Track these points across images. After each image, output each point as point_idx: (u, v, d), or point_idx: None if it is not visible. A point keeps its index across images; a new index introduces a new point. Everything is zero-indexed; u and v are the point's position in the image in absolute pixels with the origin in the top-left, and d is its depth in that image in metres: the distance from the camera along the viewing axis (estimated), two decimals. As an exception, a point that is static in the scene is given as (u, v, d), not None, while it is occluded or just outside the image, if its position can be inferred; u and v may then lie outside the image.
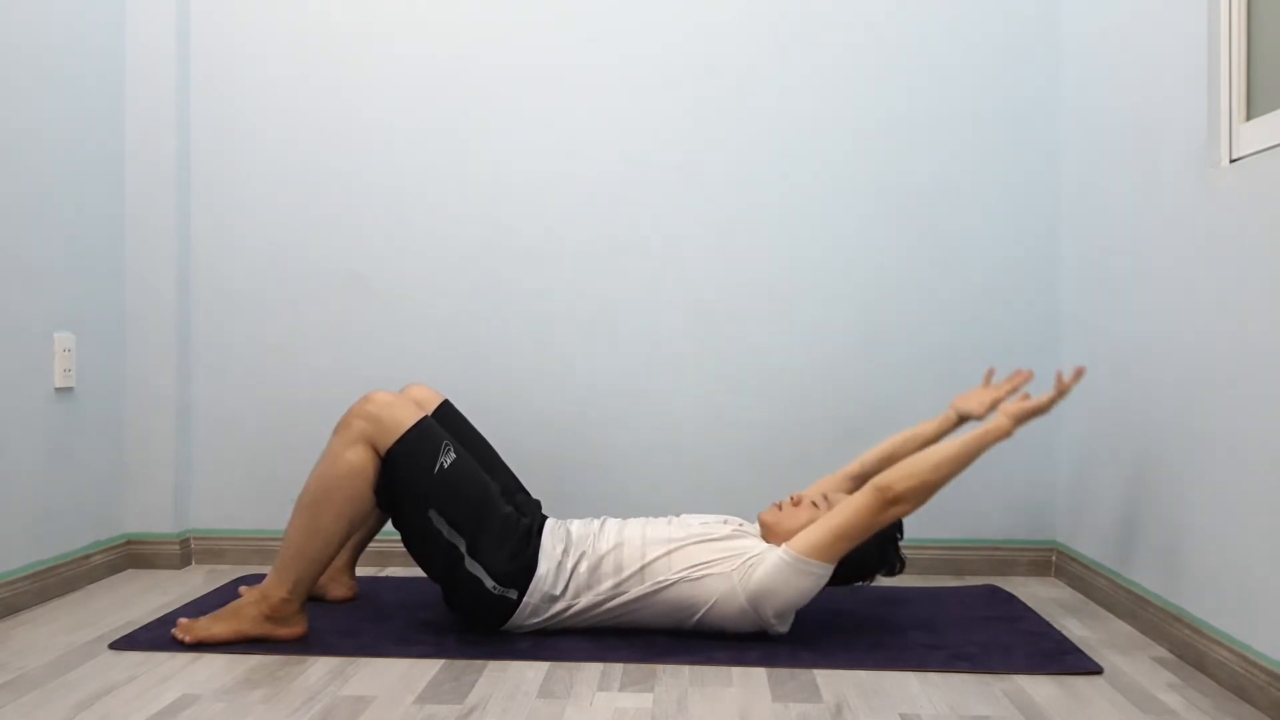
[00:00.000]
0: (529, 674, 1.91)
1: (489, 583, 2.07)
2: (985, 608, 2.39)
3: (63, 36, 2.50)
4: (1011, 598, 2.48)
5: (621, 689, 1.84)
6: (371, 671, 1.92)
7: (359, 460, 2.04)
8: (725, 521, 2.22)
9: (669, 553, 2.09)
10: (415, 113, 2.83)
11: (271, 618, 2.06)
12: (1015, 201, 2.76)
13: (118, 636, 2.11)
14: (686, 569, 2.07)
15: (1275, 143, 1.77)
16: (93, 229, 2.63)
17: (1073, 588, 2.61)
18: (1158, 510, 2.16)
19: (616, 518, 2.23)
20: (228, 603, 2.16)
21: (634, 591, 2.08)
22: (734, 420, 2.79)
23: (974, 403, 2.34)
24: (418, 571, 2.46)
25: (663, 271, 2.81)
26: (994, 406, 2.32)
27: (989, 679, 1.90)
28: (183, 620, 2.09)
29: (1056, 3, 2.74)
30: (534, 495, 2.38)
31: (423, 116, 2.83)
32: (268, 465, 2.82)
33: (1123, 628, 2.25)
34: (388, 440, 2.05)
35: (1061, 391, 2.12)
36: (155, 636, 2.10)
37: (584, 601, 2.09)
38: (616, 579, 2.09)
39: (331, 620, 2.22)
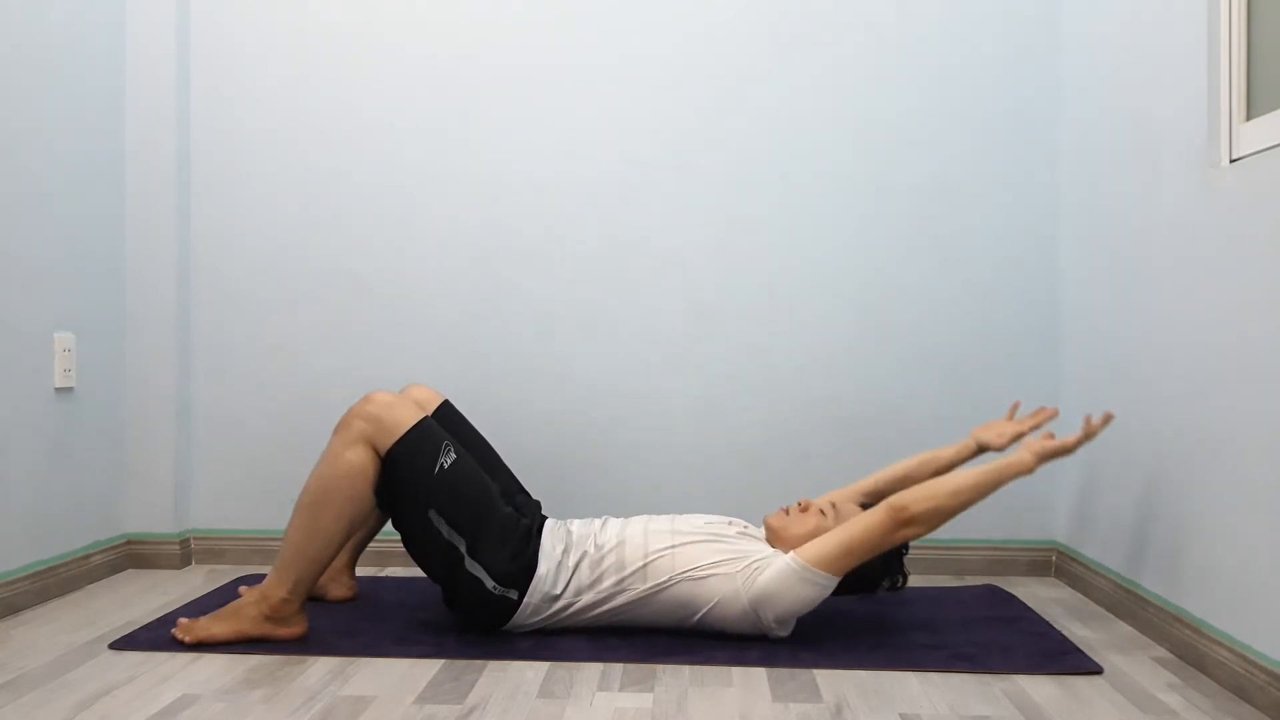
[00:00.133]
0: (529, 674, 1.91)
1: (489, 583, 2.07)
2: (985, 608, 2.39)
3: (63, 36, 2.50)
4: (1011, 598, 2.48)
5: (621, 689, 1.84)
6: (371, 671, 1.92)
7: (359, 460, 2.04)
8: (730, 523, 2.22)
9: (672, 552, 2.09)
10: (415, 113, 2.83)
11: (271, 618, 2.06)
12: (1015, 201, 2.76)
13: (118, 636, 2.11)
14: (690, 568, 2.07)
15: (1275, 143, 1.77)
16: (93, 229, 2.63)
17: (1073, 588, 2.61)
18: (1158, 510, 2.16)
19: (618, 518, 2.23)
20: (228, 603, 2.16)
21: (636, 589, 2.08)
22: (734, 420, 2.79)
23: (994, 434, 2.34)
24: (418, 571, 2.46)
25: (663, 271, 2.81)
26: (1015, 440, 2.32)
27: (989, 679, 1.90)
28: (183, 620, 2.09)
29: (1056, 3, 2.74)
30: (534, 495, 2.38)
31: (423, 116, 2.83)
32: (268, 465, 2.82)
33: (1123, 628, 2.25)
34: (388, 441, 2.05)
35: (1089, 434, 2.11)
36: (155, 636, 2.10)
37: (585, 599, 2.09)
38: (618, 576, 2.09)
39: (331, 620, 2.22)
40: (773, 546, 2.15)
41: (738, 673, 1.92)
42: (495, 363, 2.82)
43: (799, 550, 2.05)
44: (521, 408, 2.80)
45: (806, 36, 2.79)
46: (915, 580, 2.64)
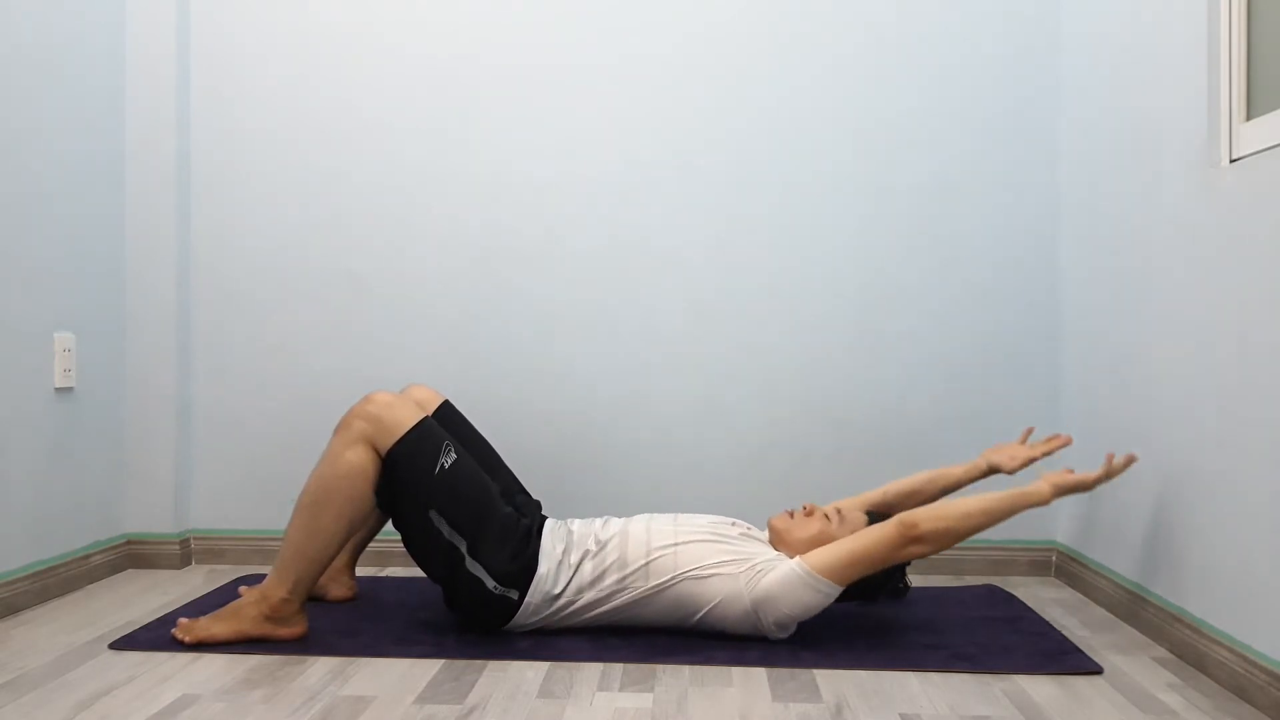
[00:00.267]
0: (529, 674, 1.91)
1: (490, 583, 2.07)
2: (985, 608, 2.39)
3: (63, 36, 2.50)
4: (1011, 598, 2.48)
5: (621, 689, 1.84)
6: (371, 671, 1.92)
7: (359, 460, 2.04)
8: (733, 524, 2.22)
9: (675, 550, 2.09)
10: (415, 113, 2.83)
11: (271, 618, 2.06)
12: (1015, 201, 2.76)
13: (118, 636, 2.11)
14: (693, 567, 2.07)
15: (1275, 143, 1.77)
16: (93, 229, 2.63)
17: (1073, 588, 2.61)
18: (1158, 510, 2.16)
19: (619, 517, 2.23)
20: (228, 603, 2.16)
21: (639, 588, 2.08)
22: (734, 420, 2.79)
23: (1006, 457, 2.34)
24: (418, 571, 2.46)
25: (663, 271, 2.81)
26: (1027, 464, 2.33)
27: (989, 679, 1.90)
28: (183, 620, 2.09)
29: (1056, 3, 2.74)
30: (534, 495, 2.38)
31: (423, 116, 2.83)
32: (268, 465, 2.82)
33: (1123, 628, 2.25)
34: (388, 441, 2.05)
35: (1110, 474, 2.10)
36: (155, 636, 2.10)
37: (587, 598, 2.09)
38: (620, 574, 2.09)
39: (331, 620, 2.22)
40: (776, 549, 2.16)
41: (738, 673, 1.92)
42: (495, 363, 2.82)
43: (805, 556, 2.05)
44: (521, 408, 2.80)
45: (806, 36, 2.79)
46: (915, 580, 2.63)
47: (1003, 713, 1.73)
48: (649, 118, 2.81)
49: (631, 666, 1.96)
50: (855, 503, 2.34)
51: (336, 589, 2.41)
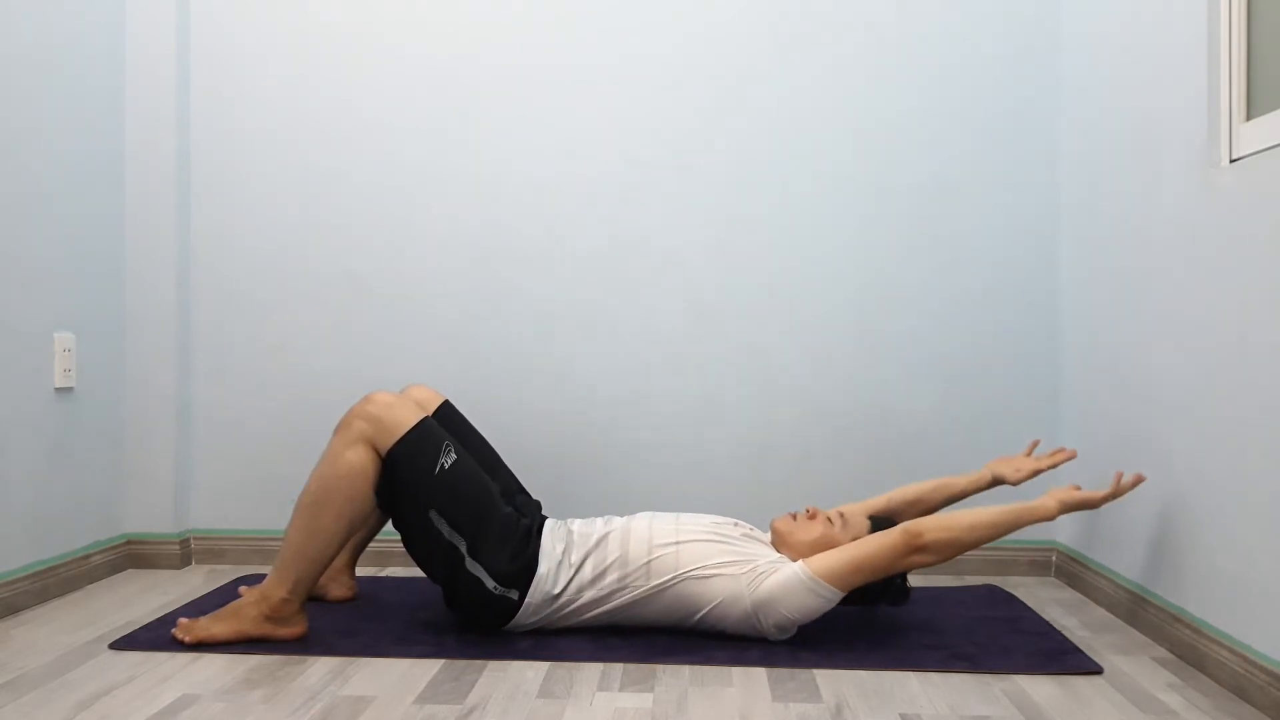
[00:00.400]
0: (529, 674, 1.91)
1: (490, 583, 2.07)
2: (985, 608, 2.39)
3: (63, 36, 2.50)
4: (1011, 598, 2.48)
5: (621, 689, 1.84)
6: (371, 671, 1.92)
7: (359, 461, 2.04)
8: (735, 524, 2.22)
9: (676, 549, 2.09)
10: (415, 113, 2.83)
11: (271, 618, 2.06)
12: (1015, 201, 2.76)
13: (118, 636, 2.11)
14: (694, 567, 2.07)
15: (1275, 143, 1.77)
16: (93, 229, 2.63)
17: (1073, 588, 2.61)
18: (1158, 510, 2.16)
19: (620, 516, 2.23)
20: (228, 603, 2.16)
21: (640, 587, 2.08)
22: (734, 420, 2.79)
23: (1011, 469, 2.35)
24: (418, 571, 2.46)
25: (663, 271, 2.81)
26: (1032, 476, 2.33)
27: (989, 679, 1.90)
28: (183, 620, 2.09)
29: (1056, 3, 2.74)
30: (534, 495, 2.38)
31: (423, 116, 2.83)
32: (268, 465, 2.82)
33: (1123, 627, 2.25)
34: (388, 441, 2.05)
35: (1116, 493, 2.10)
36: (155, 636, 2.10)
37: (588, 596, 2.09)
38: (621, 572, 2.09)
39: (331, 620, 2.22)
40: (778, 550, 2.16)
41: (738, 673, 1.92)
42: (495, 363, 2.82)
43: (808, 560, 2.05)
44: (521, 408, 2.80)
45: (806, 36, 2.79)
46: (915, 580, 2.63)
47: (1003, 713, 1.73)
48: (649, 118, 2.81)
49: (631, 666, 1.96)
50: (858, 509, 2.34)
51: (336, 589, 2.41)
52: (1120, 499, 2.12)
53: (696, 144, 2.80)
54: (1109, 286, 2.43)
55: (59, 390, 2.49)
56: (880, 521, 2.19)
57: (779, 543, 2.17)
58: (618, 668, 1.95)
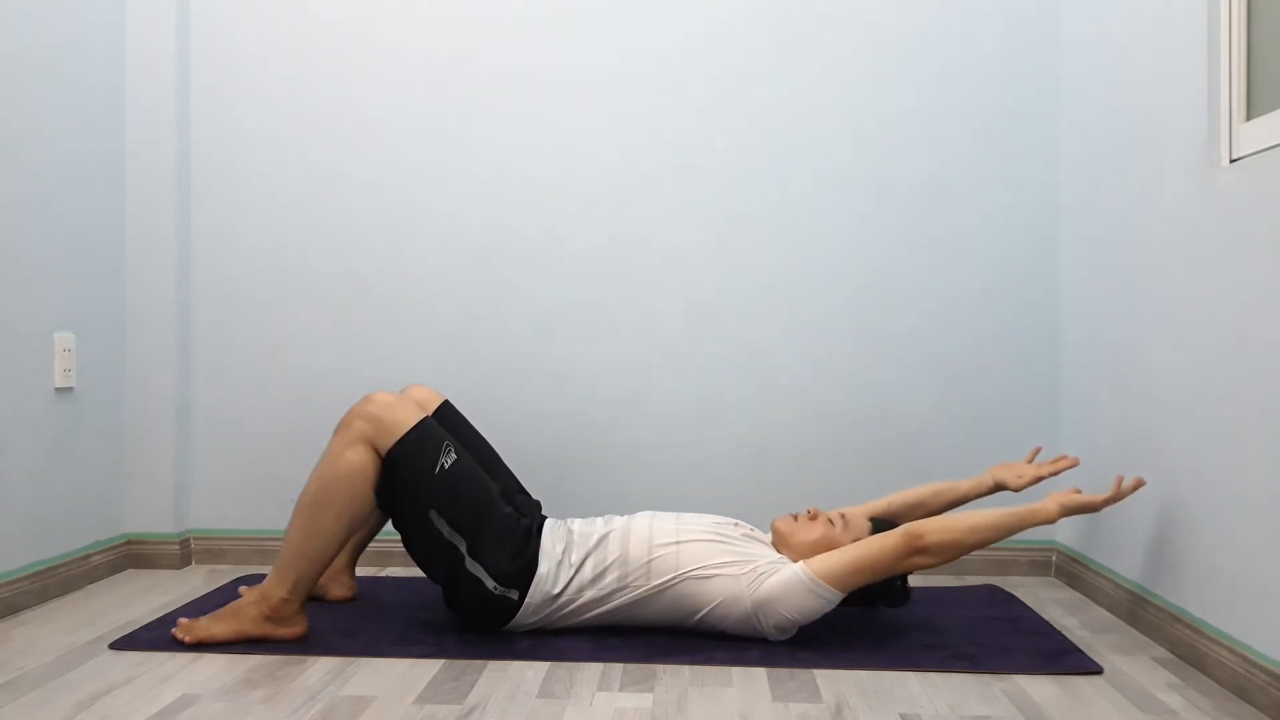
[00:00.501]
0: (529, 674, 1.91)
1: (490, 583, 2.07)
2: (985, 608, 2.39)
3: (63, 36, 2.50)
4: (1011, 598, 2.48)
5: (621, 689, 1.84)
6: (371, 671, 1.92)
7: (359, 461, 2.04)
8: (736, 525, 2.22)
9: (677, 549, 2.09)
10: (415, 113, 2.83)
11: (271, 618, 2.06)
12: (1015, 201, 2.76)
13: (118, 636, 2.11)
14: (695, 567, 2.07)
15: (1275, 143, 1.77)
16: (93, 229, 2.63)
17: (1073, 588, 2.61)
18: (1158, 510, 2.16)
19: (620, 516, 2.23)
20: (228, 603, 2.16)
21: (641, 587, 2.08)
22: (734, 420, 2.79)
23: (1013, 475, 2.35)
24: (418, 571, 2.46)
25: (663, 271, 2.81)
26: (1034, 483, 2.34)
27: (989, 679, 1.90)
28: (183, 620, 2.09)
29: (1056, 3, 2.74)
30: (534, 495, 2.38)
31: (423, 116, 2.83)
32: (268, 465, 2.82)
33: (1122, 627, 2.25)
34: (388, 441, 2.05)
35: (1117, 496, 2.11)
36: (155, 636, 2.10)
37: (588, 596, 2.09)
38: (622, 572, 2.09)
39: (331, 620, 2.22)
40: (779, 551, 2.16)
41: (738, 673, 1.92)
42: (495, 363, 2.82)
43: (809, 561, 2.05)
44: (521, 408, 2.80)
45: (806, 36, 2.79)
46: (915, 580, 2.63)
47: (1003, 713, 1.73)
48: (649, 118, 2.81)
49: (631, 666, 1.96)
50: (859, 511, 2.34)
51: (336, 589, 2.41)
52: (1120, 502, 2.12)
53: (696, 144, 2.80)
54: (1109, 286, 2.43)
55: (59, 390, 2.49)
56: (881, 523, 2.19)
57: (780, 543, 2.17)
58: (618, 668, 1.95)
